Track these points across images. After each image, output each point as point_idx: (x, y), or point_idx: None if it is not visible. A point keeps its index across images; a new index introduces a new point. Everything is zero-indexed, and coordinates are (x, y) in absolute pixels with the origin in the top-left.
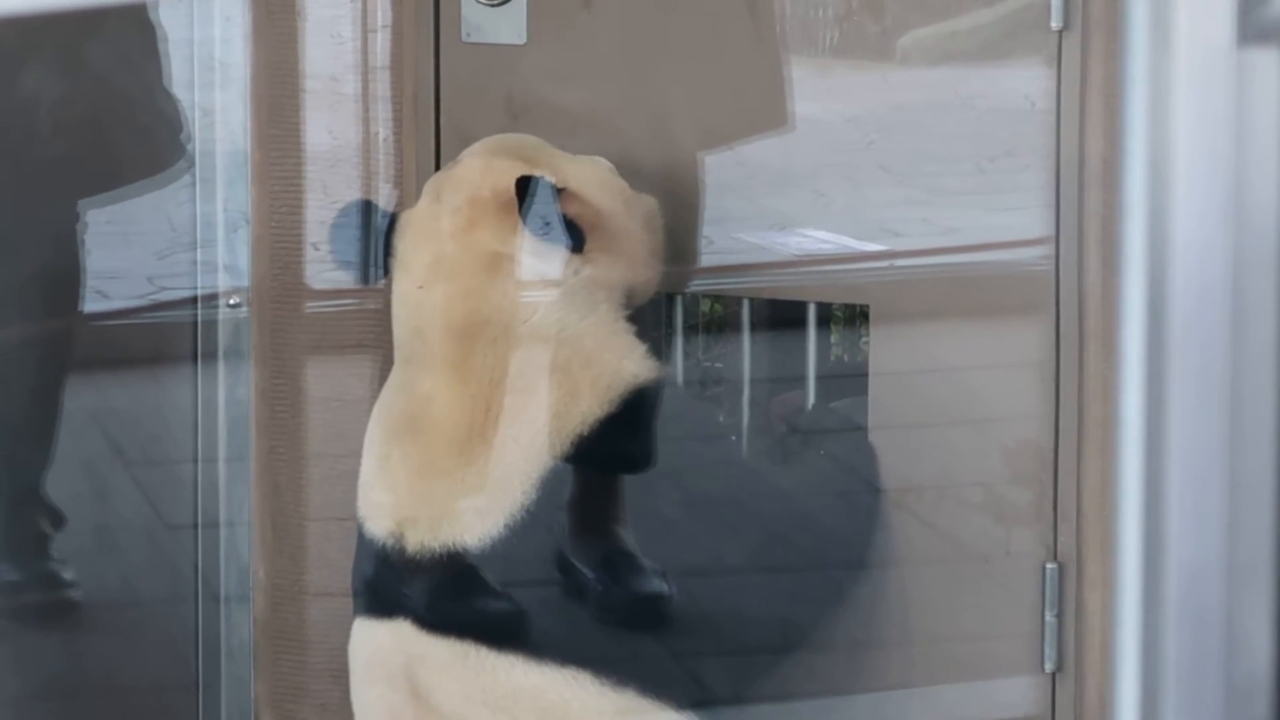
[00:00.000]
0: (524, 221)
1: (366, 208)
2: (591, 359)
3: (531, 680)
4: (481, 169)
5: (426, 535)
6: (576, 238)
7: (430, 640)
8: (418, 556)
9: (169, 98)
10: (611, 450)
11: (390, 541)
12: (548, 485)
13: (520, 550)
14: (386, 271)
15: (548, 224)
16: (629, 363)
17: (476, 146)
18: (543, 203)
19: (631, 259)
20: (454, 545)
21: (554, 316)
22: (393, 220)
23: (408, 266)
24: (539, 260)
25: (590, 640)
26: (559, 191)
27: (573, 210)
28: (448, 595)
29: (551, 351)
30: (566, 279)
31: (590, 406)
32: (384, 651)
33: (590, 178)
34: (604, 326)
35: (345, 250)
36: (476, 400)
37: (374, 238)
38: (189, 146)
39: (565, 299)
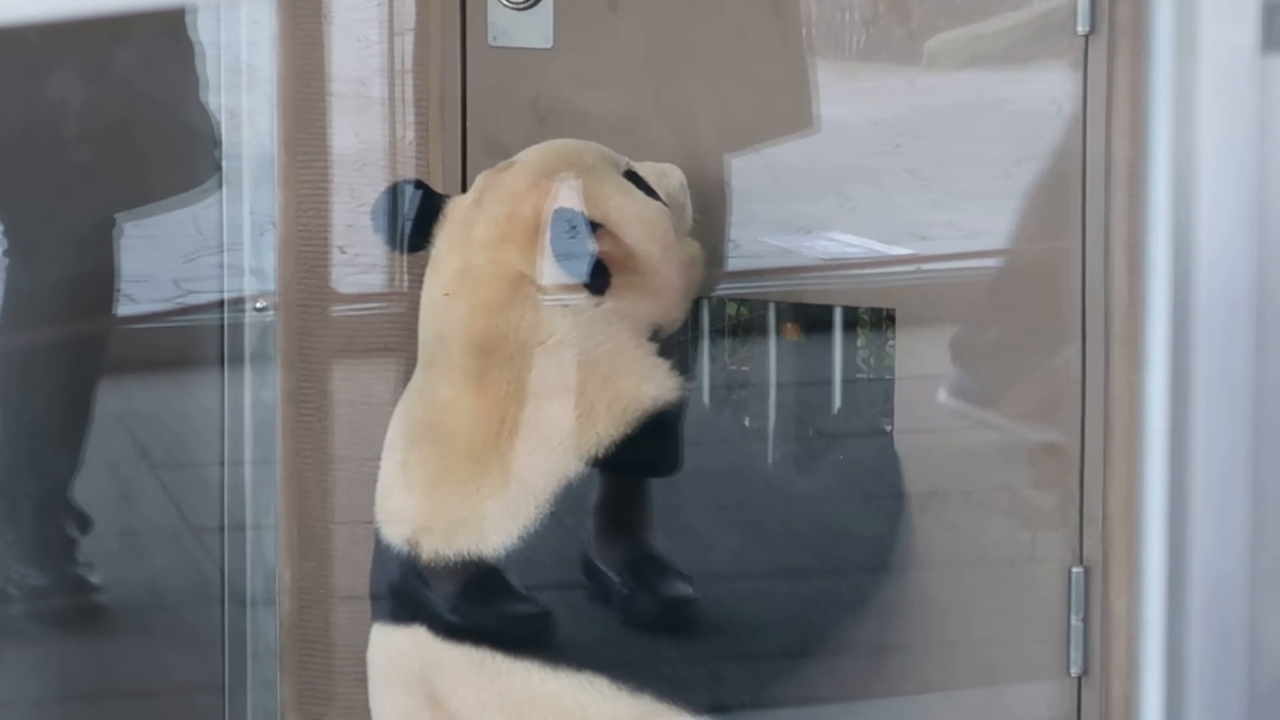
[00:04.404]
0: (551, 253)
1: (414, 188)
2: (608, 383)
3: (548, 685)
4: (529, 185)
5: (441, 543)
6: (601, 278)
7: (446, 646)
8: (433, 564)
9: (201, 108)
10: (630, 469)
11: (406, 548)
12: (564, 500)
13: (536, 560)
14: (414, 249)
15: (574, 261)
16: (648, 386)
17: (534, 154)
18: (573, 240)
19: (659, 299)
20: (468, 554)
21: (571, 341)
22: (438, 203)
23: (439, 269)
24: (561, 289)
25: (607, 645)
26: (595, 227)
27: (604, 248)
28: (463, 602)
29: (567, 373)
30: (586, 309)
31: (606, 429)
32: (400, 657)
33: (633, 216)
34: (623, 353)
35: (386, 225)
36: (492, 413)
37: (410, 216)
38: (220, 160)
39: (584, 327)
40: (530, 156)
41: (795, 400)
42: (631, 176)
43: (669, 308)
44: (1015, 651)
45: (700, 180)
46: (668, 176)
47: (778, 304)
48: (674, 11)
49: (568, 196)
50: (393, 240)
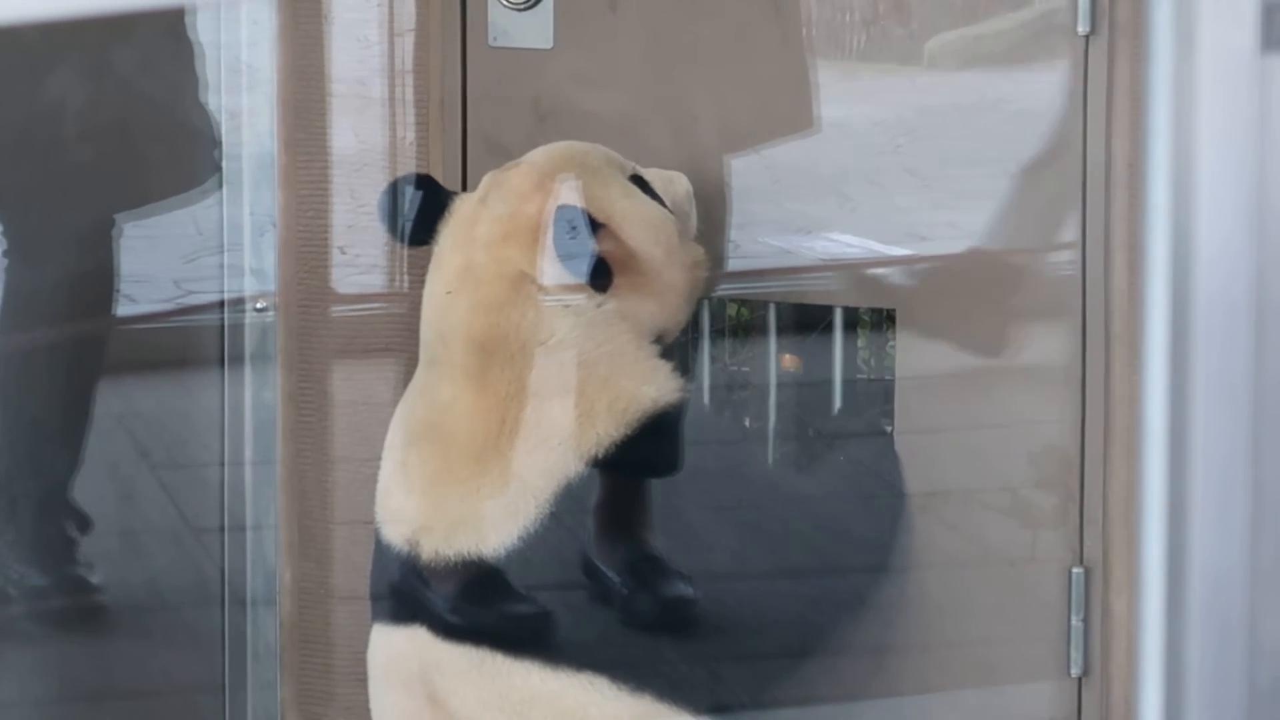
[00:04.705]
0: (553, 250)
1: (421, 182)
2: (608, 383)
3: (548, 685)
4: (534, 184)
5: (441, 543)
6: (603, 276)
7: (446, 647)
8: (433, 564)
9: (201, 109)
10: (629, 470)
11: (406, 548)
12: (564, 501)
13: (536, 560)
14: (417, 244)
15: (575, 258)
16: (649, 387)
17: (540, 154)
18: (575, 237)
19: (662, 302)
20: (468, 554)
21: (572, 341)
22: (444, 199)
23: (442, 266)
24: (562, 289)
25: (607, 645)
26: (598, 226)
27: (606, 248)
28: (463, 603)
29: (567, 374)
30: (588, 309)
31: (606, 429)
32: (400, 657)
33: (637, 218)
34: (624, 354)
35: (391, 219)
36: (493, 413)
37: (415, 211)
38: (220, 161)
39: (585, 327)
40: (537, 157)
41: (795, 401)
42: (638, 181)
43: (672, 311)
44: (1015, 652)
45: (700, 180)
46: (674, 184)
47: (778, 304)
48: (674, 11)
49: (570, 195)
50: (398, 234)
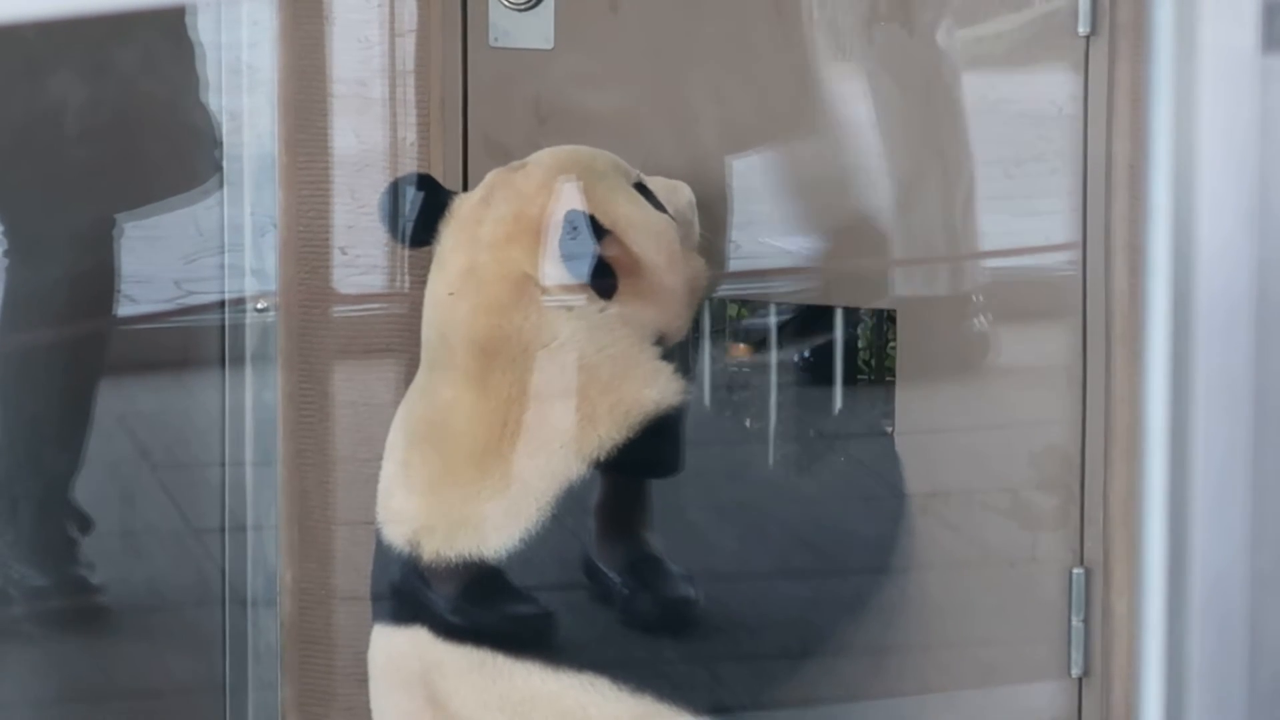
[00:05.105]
0: (559, 253)
1: (421, 182)
2: (610, 387)
3: (549, 686)
4: (540, 184)
5: (443, 544)
6: (608, 279)
7: (447, 647)
8: (434, 565)
9: (202, 109)
10: (631, 472)
11: (407, 549)
12: (565, 503)
13: (537, 562)
14: (418, 245)
15: (580, 262)
16: (651, 390)
17: (546, 156)
18: (580, 241)
19: (663, 309)
20: (470, 555)
21: (574, 344)
22: (444, 199)
23: (444, 267)
24: (565, 291)
25: (608, 645)
26: (603, 231)
27: (611, 254)
28: (464, 604)
29: (569, 377)
30: (590, 312)
31: (608, 432)
32: (401, 658)
33: (641, 224)
34: (625, 357)
35: (391, 219)
36: (494, 415)
37: (416, 211)
38: (221, 161)
39: (587, 330)
40: (543, 158)
41: (796, 401)
42: (640, 189)
43: (672, 317)
44: (1016, 652)
45: (701, 181)
46: (677, 193)
47: (778, 305)
48: (674, 11)
49: (576, 198)
50: (398, 234)
